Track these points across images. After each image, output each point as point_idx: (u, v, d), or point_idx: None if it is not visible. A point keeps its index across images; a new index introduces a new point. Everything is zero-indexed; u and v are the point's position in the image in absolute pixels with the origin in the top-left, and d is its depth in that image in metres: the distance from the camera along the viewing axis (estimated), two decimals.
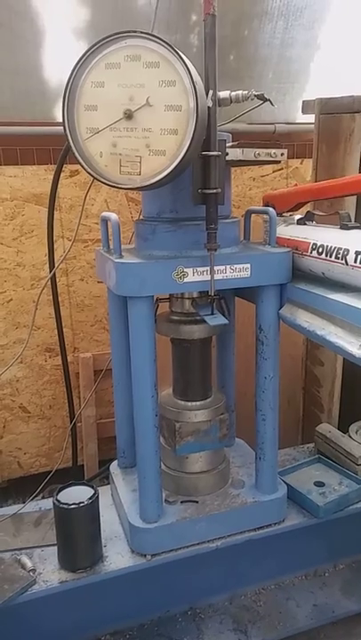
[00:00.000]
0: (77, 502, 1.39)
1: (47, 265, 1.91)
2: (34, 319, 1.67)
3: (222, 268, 1.32)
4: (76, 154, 1.17)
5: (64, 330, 1.97)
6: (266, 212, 1.43)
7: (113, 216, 1.34)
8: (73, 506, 1.38)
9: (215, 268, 1.29)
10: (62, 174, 2.16)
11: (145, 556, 1.48)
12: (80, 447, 2.32)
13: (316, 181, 1.99)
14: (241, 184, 2.47)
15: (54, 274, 1.83)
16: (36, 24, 2.01)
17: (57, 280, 1.94)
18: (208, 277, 1.29)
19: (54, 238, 1.88)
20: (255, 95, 1.36)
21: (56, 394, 2.40)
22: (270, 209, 1.42)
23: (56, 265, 1.85)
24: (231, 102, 1.36)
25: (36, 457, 2.44)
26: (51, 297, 1.89)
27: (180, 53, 1.07)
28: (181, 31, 2.18)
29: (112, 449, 1.83)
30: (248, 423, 1.61)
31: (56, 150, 2.04)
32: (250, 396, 1.55)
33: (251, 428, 1.58)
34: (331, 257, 1.26)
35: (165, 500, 1.54)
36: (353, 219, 1.34)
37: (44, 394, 2.39)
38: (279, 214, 1.54)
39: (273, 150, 1.32)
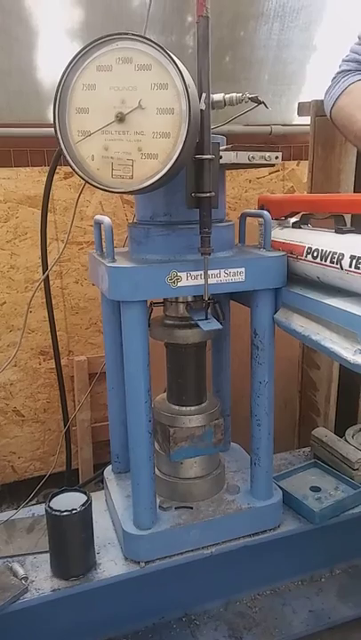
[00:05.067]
0: (70, 509, 1.37)
1: (41, 267, 1.89)
2: (25, 322, 1.66)
3: (216, 272, 1.31)
4: (68, 157, 1.15)
5: (59, 333, 1.96)
6: (260, 215, 1.42)
7: (106, 219, 1.32)
8: (65, 513, 1.37)
9: (209, 272, 1.27)
10: (57, 176, 2.16)
11: (139, 563, 1.46)
12: (75, 451, 2.30)
13: (312, 184, 1.98)
14: (237, 186, 2.45)
15: (48, 276, 1.81)
16: (29, 24, 2.00)
17: (51, 283, 1.92)
18: (202, 282, 1.27)
19: (49, 241, 1.87)
20: (249, 98, 1.34)
21: (51, 397, 2.38)
22: (265, 212, 1.40)
23: (49, 267, 1.84)
24: (225, 105, 1.34)
25: (30, 461, 2.43)
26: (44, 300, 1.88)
27: (172, 56, 1.05)
28: (177, 32, 2.17)
29: (107, 453, 1.82)
30: (244, 427, 1.60)
31: (50, 152, 2.03)
32: (246, 399, 1.54)
33: (247, 432, 1.57)
34: (326, 261, 1.24)
35: (159, 507, 1.52)
36: (348, 222, 1.33)
37: (39, 397, 2.38)
38: (274, 218, 1.53)
39: (267, 153, 1.30)
